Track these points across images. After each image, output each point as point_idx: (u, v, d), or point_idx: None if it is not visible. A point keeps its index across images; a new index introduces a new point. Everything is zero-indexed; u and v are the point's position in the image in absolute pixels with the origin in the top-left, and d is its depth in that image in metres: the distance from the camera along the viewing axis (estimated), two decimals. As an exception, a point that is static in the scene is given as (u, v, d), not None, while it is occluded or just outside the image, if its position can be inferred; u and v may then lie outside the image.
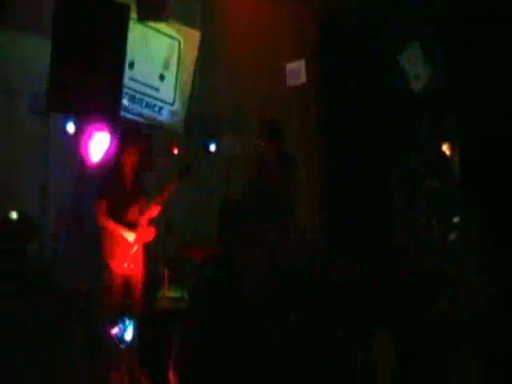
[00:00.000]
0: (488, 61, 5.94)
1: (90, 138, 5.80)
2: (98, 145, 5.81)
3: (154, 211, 5.86)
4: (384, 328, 4.23)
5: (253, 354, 3.17)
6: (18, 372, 3.34)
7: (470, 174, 6.05)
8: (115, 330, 5.05)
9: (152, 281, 6.23)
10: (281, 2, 7.73)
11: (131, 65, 6.63)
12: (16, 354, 3.34)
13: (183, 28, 7.09)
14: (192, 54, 7.18)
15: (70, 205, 6.74)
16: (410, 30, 6.94)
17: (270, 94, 7.50)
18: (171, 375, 3.99)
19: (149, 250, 6.06)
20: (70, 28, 5.25)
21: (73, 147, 6.15)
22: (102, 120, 5.72)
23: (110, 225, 5.77)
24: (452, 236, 5.59)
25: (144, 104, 6.93)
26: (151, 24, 6.68)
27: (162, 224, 6.28)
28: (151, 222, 5.94)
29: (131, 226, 5.83)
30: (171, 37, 7.04)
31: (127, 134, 5.98)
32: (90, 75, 5.37)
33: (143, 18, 6.09)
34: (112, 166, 5.83)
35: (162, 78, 7.06)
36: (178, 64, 7.12)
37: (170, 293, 6.26)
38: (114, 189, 5.82)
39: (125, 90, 6.26)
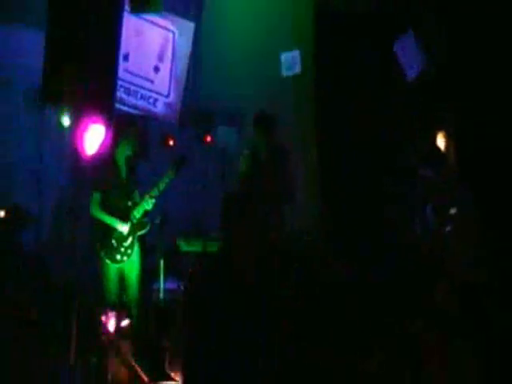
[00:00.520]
0: (488, 49, 5.92)
1: (85, 130, 5.79)
2: (94, 137, 5.80)
3: (149, 203, 5.87)
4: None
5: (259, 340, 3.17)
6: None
7: (468, 163, 6.04)
8: (111, 322, 5.07)
9: (148, 272, 6.24)
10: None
11: (126, 57, 6.62)
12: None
13: (177, 19, 7.08)
14: (187, 46, 7.17)
15: (65, 196, 6.75)
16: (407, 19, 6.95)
17: (266, 85, 7.50)
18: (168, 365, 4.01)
19: (144, 241, 6.08)
20: (64, 20, 5.23)
21: (67, 139, 6.16)
22: (96, 112, 5.70)
23: (104, 216, 5.78)
24: (448, 228, 5.59)
25: (139, 96, 6.92)
26: (145, 16, 6.67)
27: (158, 215, 6.28)
28: (146, 213, 5.96)
29: (125, 218, 5.84)
30: (166, 28, 7.03)
31: (122, 126, 5.98)
32: (85, 67, 5.35)
33: (137, 10, 6.07)
34: (106, 158, 5.84)
35: (156, 69, 7.05)
36: (173, 55, 7.11)
37: (166, 284, 6.28)
38: (108, 181, 5.83)
39: (119, 82, 6.24)
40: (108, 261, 5.79)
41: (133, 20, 6.58)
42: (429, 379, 4.24)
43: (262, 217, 5.89)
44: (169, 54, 7.10)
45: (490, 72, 5.91)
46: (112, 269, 5.80)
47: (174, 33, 7.08)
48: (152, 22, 6.88)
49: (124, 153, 5.94)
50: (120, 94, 6.54)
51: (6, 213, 6.09)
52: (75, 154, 6.01)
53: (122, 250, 5.83)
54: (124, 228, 5.82)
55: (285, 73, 7.18)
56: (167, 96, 7.16)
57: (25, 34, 6.47)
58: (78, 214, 5.96)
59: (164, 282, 6.21)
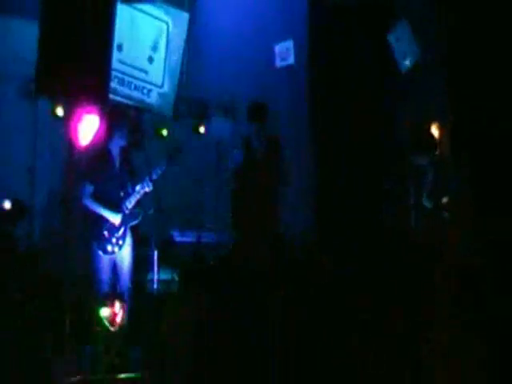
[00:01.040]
0: (487, 37, 5.92)
1: (79, 120, 5.79)
2: (88, 127, 5.80)
3: (142, 193, 5.88)
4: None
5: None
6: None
7: (462, 149, 6.04)
8: (105, 313, 5.08)
9: (142, 263, 6.26)
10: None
11: (119, 47, 6.60)
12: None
13: (172, 10, 7.06)
14: (180, 36, 7.15)
15: (58, 187, 6.76)
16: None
17: (260, 76, 7.50)
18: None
19: (137, 232, 6.09)
20: (57, 11, 5.22)
21: (61, 130, 6.16)
22: (90, 103, 5.70)
23: (96, 207, 5.79)
24: (444, 214, 5.62)
25: (133, 86, 6.91)
26: (139, 6, 6.65)
27: (151, 205, 6.28)
28: (138, 203, 5.96)
29: (117, 209, 5.84)
30: (160, 19, 7.01)
31: (116, 116, 5.98)
32: (79, 58, 5.34)
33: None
34: (99, 148, 5.84)
35: (150, 60, 7.03)
36: (167, 46, 7.10)
37: (161, 275, 6.29)
38: (101, 171, 5.83)
39: (113, 73, 6.22)
40: (100, 252, 5.79)
41: (126, 10, 6.57)
42: (429, 379, 4.25)
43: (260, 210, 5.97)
44: (163, 44, 7.07)
45: (490, 59, 5.91)
46: (104, 260, 5.80)
47: (168, 23, 7.06)
48: (146, 13, 6.86)
49: (118, 143, 5.93)
50: (114, 84, 6.51)
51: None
52: (69, 145, 6.03)
53: (114, 240, 5.83)
54: (116, 219, 5.83)
55: (279, 64, 7.18)
56: (161, 86, 7.15)
57: (18, 27, 6.45)
58: (71, 205, 5.96)
59: (158, 273, 6.23)
